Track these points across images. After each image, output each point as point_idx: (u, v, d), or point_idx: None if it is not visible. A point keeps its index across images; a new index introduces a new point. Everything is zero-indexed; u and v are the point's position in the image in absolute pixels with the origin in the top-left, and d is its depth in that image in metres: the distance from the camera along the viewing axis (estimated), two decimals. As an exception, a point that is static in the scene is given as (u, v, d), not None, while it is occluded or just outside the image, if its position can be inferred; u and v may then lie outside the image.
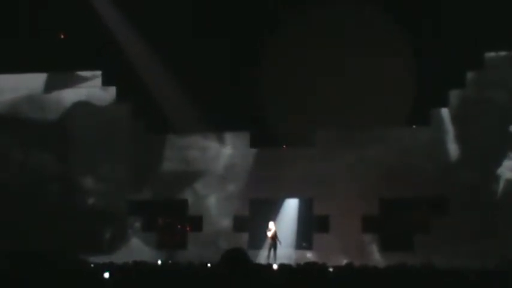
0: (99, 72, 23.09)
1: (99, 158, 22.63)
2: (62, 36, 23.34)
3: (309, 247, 21.13)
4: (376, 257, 19.77)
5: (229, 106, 20.80)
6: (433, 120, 20.72)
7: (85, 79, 23.29)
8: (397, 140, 20.79)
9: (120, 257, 17.53)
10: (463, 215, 19.43)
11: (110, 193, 22.54)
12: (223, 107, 20.89)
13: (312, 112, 20.52)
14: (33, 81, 23.50)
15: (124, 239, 22.13)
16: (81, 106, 23.16)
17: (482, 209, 19.35)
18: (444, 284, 7.77)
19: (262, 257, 20.13)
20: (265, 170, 21.19)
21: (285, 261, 16.93)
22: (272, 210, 21.65)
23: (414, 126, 21.34)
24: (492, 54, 20.36)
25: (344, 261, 14.16)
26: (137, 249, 21.33)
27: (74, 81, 23.36)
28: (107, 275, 8.24)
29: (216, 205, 21.82)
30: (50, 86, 23.55)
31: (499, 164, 19.86)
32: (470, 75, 20.46)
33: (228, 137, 22.19)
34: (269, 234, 20.30)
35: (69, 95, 23.32)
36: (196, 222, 21.86)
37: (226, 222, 21.63)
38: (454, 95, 20.64)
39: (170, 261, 17.38)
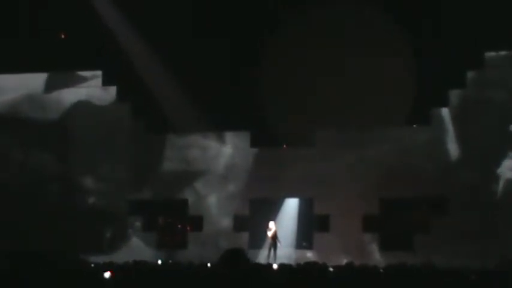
0: (99, 72, 23.10)
1: (99, 157, 22.63)
2: (62, 36, 23.34)
3: (309, 247, 21.14)
4: (376, 257, 19.77)
5: (229, 106, 20.80)
6: (433, 120, 20.72)
7: (85, 79, 23.30)
8: (397, 140, 20.78)
9: (121, 256, 17.53)
10: (463, 214, 19.43)
11: (110, 193, 22.54)
12: (223, 107, 20.90)
13: (312, 112, 20.52)
14: (33, 81, 23.50)
15: (124, 239, 22.13)
16: (82, 106, 23.17)
17: (482, 208, 19.35)
18: (444, 284, 7.77)
19: (262, 256, 20.14)
20: (266, 170, 21.19)
21: (285, 261, 16.94)
22: (272, 210, 21.66)
23: (414, 126, 21.34)
24: (492, 53, 20.35)
25: (344, 261, 14.15)
26: (137, 249, 21.33)
27: (74, 81, 23.36)
28: (107, 274, 8.24)
29: (216, 205, 21.83)
30: (50, 86, 23.55)
31: (499, 163, 19.86)
32: (470, 75, 20.46)
33: (228, 136, 22.20)
34: (269, 233, 20.30)
35: (70, 95, 23.32)
36: (197, 222, 21.86)
37: (226, 222, 21.63)
38: (454, 94, 20.64)
39: (170, 261, 17.38)
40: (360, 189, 20.06)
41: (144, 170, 22.35)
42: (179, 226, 23.11)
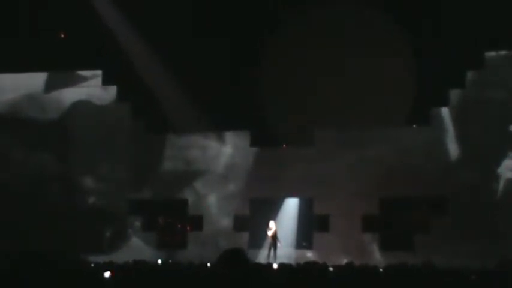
0: (99, 72, 23.10)
1: (99, 157, 22.64)
2: (62, 36, 23.34)
3: (309, 247, 21.14)
4: (376, 257, 19.77)
5: (229, 106, 20.80)
6: (433, 120, 20.72)
7: (85, 79, 23.30)
8: (397, 140, 20.78)
9: (121, 256, 17.52)
10: (463, 214, 19.44)
11: (110, 193, 22.55)
12: (223, 107, 20.90)
13: (312, 112, 20.52)
14: (33, 81, 23.50)
15: (124, 239, 22.14)
16: (81, 106, 23.17)
17: (483, 208, 19.35)
18: (444, 284, 7.76)
19: (262, 256, 20.14)
20: (266, 170, 21.20)
21: (285, 260, 16.94)
22: (272, 209, 21.66)
23: (414, 126, 21.33)
24: (492, 53, 20.36)
25: (344, 261, 14.14)
26: (137, 248, 21.33)
27: (74, 81, 23.37)
28: (107, 274, 8.24)
29: (216, 204, 21.83)
30: (50, 86, 23.55)
31: (499, 163, 19.87)
32: (470, 74, 20.46)
33: (228, 136, 22.20)
34: (269, 233, 20.31)
35: (69, 95, 23.33)
36: (197, 222, 21.86)
37: (226, 222, 21.64)
38: (454, 94, 20.64)
39: (170, 261, 17.38)
40: (360, 189, 20.06)
41: (144, 170, 22.35)
42: (179, 226, 23.10)
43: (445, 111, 20.64)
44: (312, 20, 20.72)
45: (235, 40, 21.26)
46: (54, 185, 22.80)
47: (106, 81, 23.05)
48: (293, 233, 21.89)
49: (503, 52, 20.49)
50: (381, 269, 9.70)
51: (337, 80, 20.40)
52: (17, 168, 23.13)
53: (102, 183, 22.68)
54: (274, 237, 20.27)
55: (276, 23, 21.38)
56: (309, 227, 21.40)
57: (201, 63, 20.74)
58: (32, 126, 23.19)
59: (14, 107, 23.54)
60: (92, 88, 23.15)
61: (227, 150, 22.11)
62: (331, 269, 9.80)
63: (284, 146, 22.40)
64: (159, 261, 16.83)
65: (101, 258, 15.08)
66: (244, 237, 21.17)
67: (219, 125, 21.98)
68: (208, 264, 12.36)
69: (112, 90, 23.04)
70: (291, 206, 22.19)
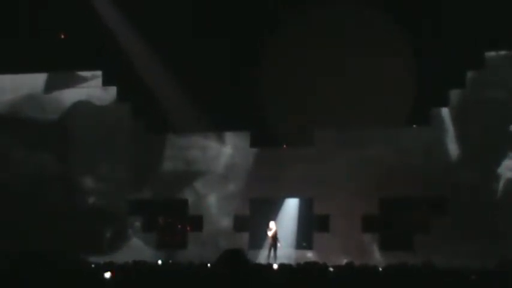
0: (99, 72, 23.10)
1: (99, 157, 22.64)
2: (62, 36, 23.33)
3: (309, 247, 21.13)
4: (377, 257, 19.77)
5: (229, 106, 20.80)
6: (433, 120, 20.71)
7: (85, 79, 23.30)
8: (397, 140, 20.78)
9: (121, 256, 17.54)
10: (463, 214, 19.43)
11: (110, 193, 22.54)
12: (223, 107, 20.90)
13: (312, 112, 20.52)
14: (33, 81, 23.51)
15: (124, 239, 22.14)
16: (82, 106, 23.17)
17: (482, 208, 19.35)
18: (444, 284, 7.77)
19: (262, 256, 20.14)
20: (266, 170, 21.19)
21: (285, 261, 16.95)
22: (272, 209, 21.66)
23: (414, 126, 21.33)
24: (492, 53, 20.36)
25: (344, 261, 14.15)
26: (137, 249, 21.33)
27: (74, 81, 23.37)
28: (107, 274, 8.24)
29: (216, 205, 21.83)
30: (50, 86, 23.55)
31: (499, 163, 19.87)
32: (470, 75, 20.46)
33: (228, 136, 22.20)
34: (270, 233, 20.30)
35: (70, 95, 23.33)
36: (197, 222, 21.86)
37: (226, 222, 21.63)
38: (454, 94, 20.64)
39: (170, 261, 17.38)
40: (360, 189, 20.05)
41: (144, 170, 22.35)
42: (179, 226, 23.10)
43: (445, 111, 20.64)
44: (312, 20, 20.72)
45: (235, 40, 21.26)
46: (54, 185, 22.80)
47: (106, 82, 23.04)
48: (293, 233, 21.89)
49: (503, 52, 20.49)
50: (380, 269, 9.70)
51: (337, 80, 20.40)
52: (17, 168, 23.13)
53: (102, 183, 22.68)
54: (275, 237, 20.27)
55: (276, 23, 21.37)
56: (309, 227, 21.39)
57: (201, 63, 20.74)
58: (32, 127, 23.20)
59: (14, 108, 23.54)
60: (92, 88, 23.16)
61: (227, 150, 22.11)
62: (331, 269, 9.81)
63: (284, 146, 22.39)
64: (159, 262, 16.84)
65: (101, 259, 15.08)
66: (244, 238, 21.17)
67: (219, 125, 21.98)
68: (208, 265, 12.36)
69: (112, 91, 23.04)
70: (291, 206, 22.19)
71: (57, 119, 23.31)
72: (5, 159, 23.20)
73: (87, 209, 22.51)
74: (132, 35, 22.59)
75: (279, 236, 20.39)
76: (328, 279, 7.62)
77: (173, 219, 23.23)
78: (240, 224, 21.44)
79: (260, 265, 11.25)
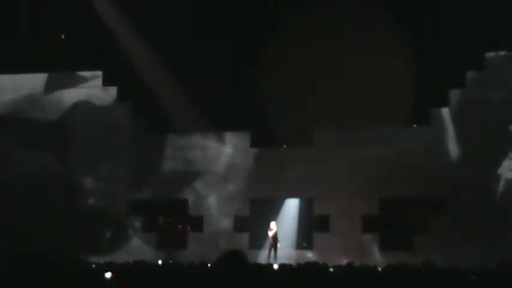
0: (99, 73, 23.09)
1: (99, 157, 22.63)
2: (63, 37, 23.33)
3: (310, 247, 21.12)
4: (377, 257, 19.77)
5: (230, 106, 20.80)
6: (434, 120, 20.71)
7: (85, 79, 23.30)
8: (397, 140, 20.79)
9: (121, 257, 17.53)
10: (463, 215, 19.43)
11: (110, 193, 22.54)
12: (223, 107, 20.89)
13: (312, 112, 20.52)
14: (33, 81, 23.50)
15: (124, 239, 22.13)
16: (82, 106, 23.17)
17: (482, 208, 19.35)
18: (444, 284, 7.77)
19: (262, 257, 20.13)
20: (266, 170, 21.19)
21: (286, 261, 16.96)
22: (272, 210, 21.66)
23: (415, 126, 21.33)
24: (492, 54, 20.36)
25: (344, 261, 14.15)
26: (138, 249, 21.33)
27: (74, 82, 23.36)
28: (108, 274, 8.24)
29: (216, 205, 21.82)
30: (51, 86, 23.55)
31: (499, 163, 19.87)
32: (470, 75, 20.46)
33: (229, 136, 22.20)
34: (270, 234, 20.30)
35: (70, 95, 23.33)
36: (197, 222, 21.85)
37: (226, 222, 21.63)
38: (454, 94, 20.64)
39: (171, 261, 17.38)
40: (360, 189, 20.05)
41: (144, 170, 22.35)
42: (179, 226, 23.09)
43: (445, 111, 20.64)
44: (312, 20, 20.72)
45: (235, 40, 21.26)
46: (54, 185, 22.79)
47: (106, 82, 23.04)
48: (293, 233, 21.89)
49: (503, 52, 20.49)
50: (379, 269, 9.71)
51: (337, 80, 20.40)
52: (17, 168, 23.13)
53: (102, 183, 22.68)
54: (275, 237, 20.26)
55: (276, 23, 21.37)
56: (309, 227, 21.39)
57: (201, 63, 20.73)
58: (32, 127, 23.19)
59: (15, 108, 23.54)
60: (92, 89, 23.15)
61: (227, 150, 22.10)
62: (331, 269, 9.81)
63: (285, 146, 22.39)
64: (159, 262, 16.84)
65: (101, 259, 15.09)
66: (244, 238, 21.17)
67: (219, 125, 21.98)
68: (209, 265, 12.36)
69: (112, 91, 23.03)
70: (291, 206, 22.19)
71: (57, 119, 23.30)
72: (5, 159, 23.20)
73: (87, 209, 22.50)
74: (132, 35, 22.60)
75: (279, 236, 20.39)
76: (328, 280, 7.63)
77: (173, 219, 23.23)
78: (240, 224, 21.44)
79: (260, 265, 11.25)
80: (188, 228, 22.57)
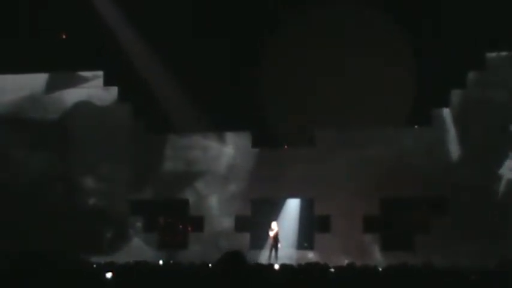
0: (100, 73, 23.09)
1: (100, 158, 22.63)
2: (63, 37, 23.33)
3: (311, 247, 21.11)
4: (377, 257, 19.76)
5: (230, 106, 20.80)
6: (434, 120, 20.70)
7: (86, 79, 23.30)
8: (398, 140, 20.78)
9: (122, 257, 17.54)
10: (463, 215, 19.43)
11: (110, 193, 22.53)
12: (223, 107, 20.90)
13: (312, 112, 20.52)
14: (34, 82, 23.51)
15: (125, 239, 22.13)
16: (82, 106, 23.17)
17: (483, 209, 19.34)
18: (444, 284, 7.77)
19: (263, 257, 20.13)
20: (266, 170, 21.18)
21: (287, 261, 16.96)
22: (273, 210, 21.66)
23: (416, 127, 21.32)
24: (493, 54, 20.36)
25: (345, 262, 14.15)
26: (138, 249, 21.33)
27: (75, 82, 23.37)
28: (109, 275, 8.25)
29: (217, 205, 21.82)
30: (51, 86, 23.55)
31: (500, 164, 19.86)
32: (471, 75, 20.45)
33: (229, 137, 22.20)
34: (271, 234, 20.30)
35: (71, 95, 23.33)
36: (198, 222, 21.85)
37: (227, 222, 21.62)
38: (455, 95, 20.63)
39: (171, 262, 17.38)
40: (361, 190, 20.04)
41: (145, 170, 22.35)
42: (180, 226, 23.09)
43: (446, 111, 20.64)
44: (312, 20, 20.72)
45: (235, 40, 21.26)
46: (54, 185, 22.80)
47: (107, 82, 23.05)
48: (294, 233, 21.88)
49: (504, 53, 20.49)
50: (380, 269, 9.71)
51: (337, 80, 20.40)
52: (17, 168, 23.13)
53: (103, 183, 22.68)
54: (276, 238, 20.26)
55: (276, 23, 21.37)
56: (310, 227, 21.38)
57: (201, 63, 20.74)
58: (33, 127, 23.20)
59: (15, 108, 23.54)
60: (93, 89, 23.15)
61: (228, 150, 22.10)
62: (332, 269, 9.81)
63: (285, 147, 22.39)
64: (160, 262, 16.85)
65: (102, 259, 15.08)
66: (245, 238, 21.17)
67: (219, 125, 21.98)
68: (210, 265, 12.37)
69: (113, 91, 23.04)
70: (292, 206, 22.18)
71: (58, 119, 23.31)
72: (5, 159, 23.20)
73: (88, 209, 22.50)
74: (132, 35, 22.60)
75: (280, 236, 20.38)
76: (329, 280, 7.63)
77: (174, 219, 23.23)
78: (241, 224, 21.43)
79: (261, 265, 11.26)
80: (189, 229, 22.57)
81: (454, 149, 20.41)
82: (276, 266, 12.40)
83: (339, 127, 21.14)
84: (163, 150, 22.47)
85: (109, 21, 22.67)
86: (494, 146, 19.85)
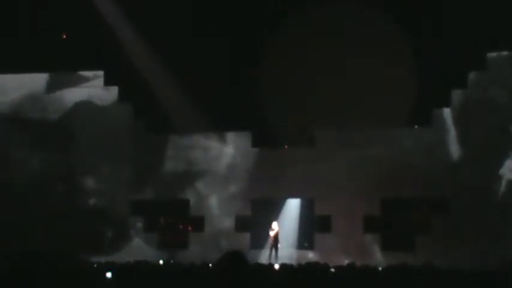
0: (100, 72, 23.09)
1: (100, 158, 22.63)
2: (64, 36, 23.33)
3: (311, 247, 21.11)
4: (378, 257, 19.76)
5: (230, 106, 20.80)
6: (435, 120, 20.69)
7: (87, 79, 23.30)
8: (398, 140, 20.77)
9: (122, 257, 17.54)
10: (464, 215, 19.42)
11: (111, 193, 22.53)
12: (223, 107, 20.89)
13: (312, 112, 20.52)
14: (34, 81, 23.51)
15: (126, 239, 22.13)
16: (83, 106, 23.17)
17: (483, 209, 19.33)
18: (445, 284, 7.77)
19: (264, 257, 20.13)
20: (267, 170, 21.18)
21: (287, 261, 16.94)
22: (274, 210, 21.66)
23: (416, 127, 21.31)
24: (494, 54, 20.34)
25: (345, 262, 14.14)
26: (139, 249, 21.33)
27: (75, 81, 23.37)
28: (109, 274, 8.25)
29: (217, 205, 21.82)
30: (52, 86, 23.55)
31: (500, 164, 19.84)
32: (472, 75, 20.44)
33: (230, 137, 22.20)
34: (272, 234, 20.30)
35: (71, 95, 23.33)
36: (198, 222, 21.85)
37: (228, 222, 21.62)
38: (455, 95, 20.62)
39: (172, 261, 17.38)
40: (361, 190, 20.03)
41: (146, 170, 22.35)
42: (181, 226, 23.10)
43: (446, 112, 20.62)
44: (312, 20, 20.71)
45: (235, 40, 21.25)
46: (55, 185, 22.80)
47: (108, 82, 23.05)
48: (295, 233, 21.89)
49: (504, 53, 20.48)
50: (380, 268, 9.70)
51: (337, 80, 20.40)
52: (17, 168, 23.13)
53: (103, 183, 22.68)
54: (276, 237, 20.26)
55: (276, 23, 21.37)
56: (311, 227, 21.38)
57: (201, 63, 20.74)
58: (33, 127, 23.20)
59: (16, 107, 23.54)
60: (93, 88, 23.15)
61: (228, 150, 22.10)
62: (332, 269, 9.81)
63: (286, 147, 22.39)
64: (161, 262, 16.85)
65: (103, 259, 15.09)
66: (245, 238, 21.17)
67: (219, 126, 21.97)
68: (210, 265, 12.37)
69: (114, 91, 23.04)
70: (292, 206, 22.18)
71: (58, 119, 23.31)
72: (5, 159, 23.20)
73: (89, 209, 22.50)
74: (132, 35, 22.60)
75: (280, 236, 20.38)
76: (329, 280, 7.62)
77: (174, 219, 23.23)
78: (242, 224, 21.44)
79: (261, 265, 11.26)
80: (189, 228, 22.57)
81: (455, 149, 20.40)
82: (276, 266, 12.40)
83: (339, 127, 21.12)
84: (164, 150, 22.47)
85: (109, 21, 22.67)
86: (494, 146, 19.83)
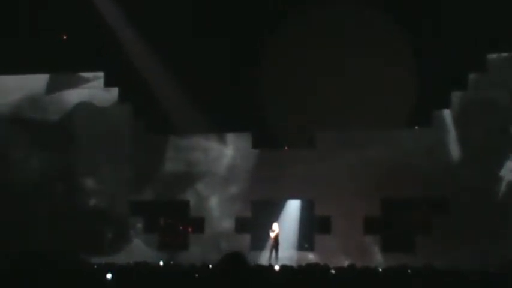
0: (101, 73, 23.10)
1: (100, 158, 22.63)
2: (64, 37, 23.33)
3: (311, 248, 21.10)
4: (378, 258, 19.75)
5: (230, 107, 20.79)
6: (435, 121, 20.68)
7: (87, 80, 23.30)
8: (398, 141, 20.77)
9: (122, 258, 17.55)
10: (464, 215, 19.41)
11: (111, 193, 22.53)
12: (223, 108, 20.89)
13: (312, 112, 20.51)
14: (35, 82, 23.52)
15: (126, 240, 22.12)
16: (83, 107, 23.17)
17: (483, 209, 19.32)
18: (445, 284, 7.76)
19: (264, 258, 20.12)
20: (267, 171, 21.17)
21: (287, 262, 16.95)
22: (274, 211, 21.64)
23: (416, 127, 21.31)
24: (494, 55, 20.34)
25: (346, 263, 14.14)
26: (139, 250, 21.32)
27: (75, 82, 23.37)
28: (109, 275, 8.24)
29: (218, 206, 21.81)
30: (52, 87, 23.55)
31: (500, 165, 19.84)
32: (472, 76, 20.43)
33: (230, 138, 22.19)
34: (272, 235, 20.29)
35: (71, 96, 23.33)
36: (198, 224, 21.84)
37: (228, 224, 21.61)
38: (456, 96, 20.61)
39: (172, 263, 17.38)
40: (361, 190, 20.02)
41: (146, 171, 22.34)
42: (181, 227, 23.09)
43: (446, 112, 20.62)
44: (312, 20, 20.71)
45: (235, 40, 21.25)
46: (55, 185, 22.80)
47: (108, 83, 23.04)
48: (295, 234, 21.87)
49: (504, 54, 20.47)
50: (380, 269, 9.70)
51: (337, 80, 20.39)
52: (18, 168, 23.13)
53: (103, 184, 22.68)
54: (276, 239, 20.25)
55: (276, 23, 21.37)
56: (311, 228, 21.37)
57: (201, 63, 20.73)
58: (34, 127, 23.20)
59: (16, 108, 23.54)
60: (93, 89, 23.16)
61: (229, 151, 22.09)
62: (332, 271, 9.80)
63: (286, 148, 22.38)
64: (161, 263, 16.84)
65: (103, 259, 15.08)
66: (245, 239, 21.16)
67: (219, 126, 21.96)
68: (210, 266, 12.36)
69: (114, 92, 23.03)
70: (292, 207, 22.17)
71: (58, 119, 23.31)
72: (5, 159, 23.20)
73: (89, 209, 22.50)
74: (132, 35, 22.60)
75: (280, 238, 20.36)
76: (329, 281, 7.61)
77: (175, 220, 23.23)
78: (242, 225, 21.43)
79: (262, 266, 11.26)
80: (189, 230, 22.57)
81: (455, 150, 20.39)
82: (277, 267, 12.39)
83: (339, 127, 21.11)
84: (164, 151, 22.46)
85: (109, 21, 22.66)
86: (494, 147, 19.83)
